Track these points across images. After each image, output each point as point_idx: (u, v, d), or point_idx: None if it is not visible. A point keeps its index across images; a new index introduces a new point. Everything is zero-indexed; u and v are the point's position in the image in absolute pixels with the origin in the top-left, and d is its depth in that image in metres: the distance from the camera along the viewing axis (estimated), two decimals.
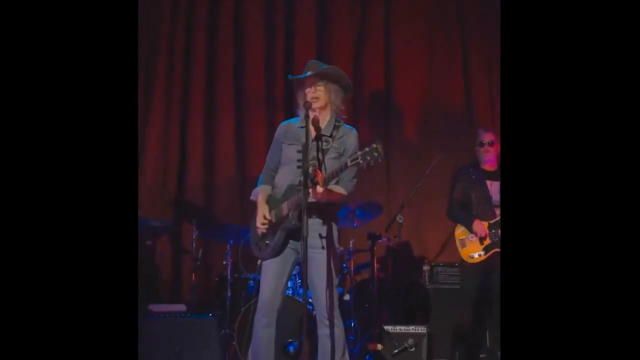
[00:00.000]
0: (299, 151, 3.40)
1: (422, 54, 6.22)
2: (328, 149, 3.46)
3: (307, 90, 3.50)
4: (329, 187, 3.34)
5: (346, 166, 3.18)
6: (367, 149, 3.10)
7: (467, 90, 6.17)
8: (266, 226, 3.50)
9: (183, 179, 5.91)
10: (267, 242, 3.51)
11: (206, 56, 5.98)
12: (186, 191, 5.91)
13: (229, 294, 4.91)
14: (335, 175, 3.25)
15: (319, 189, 3.24)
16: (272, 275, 3.51)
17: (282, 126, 3.69)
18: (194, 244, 5.22)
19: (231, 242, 5.04)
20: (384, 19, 6.20)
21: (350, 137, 3.54)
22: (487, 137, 4.99)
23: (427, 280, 5.31)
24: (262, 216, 3.51)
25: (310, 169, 3.22)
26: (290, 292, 4.65)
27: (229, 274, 4.98)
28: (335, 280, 3.49)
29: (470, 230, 4.87)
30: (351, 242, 5.29)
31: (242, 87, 6.04)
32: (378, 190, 5.90)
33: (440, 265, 5.40)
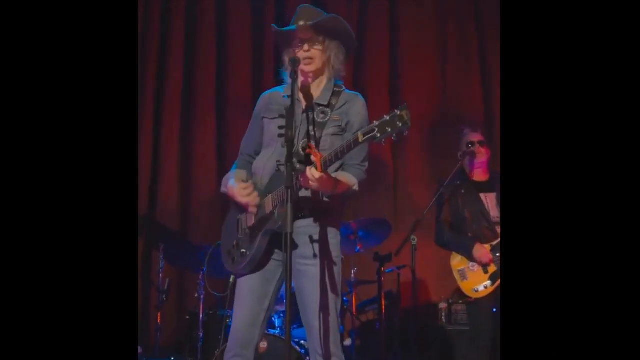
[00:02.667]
0: (280, 127, 2.51)
1: (432, 61, 5.53)
2: (326, 123, 2.59)
3: (298, 47, 2.63)
4: (333, 174, 2.45)
5: (357, 142, 2.27)
6: (386, 117, 2.19)
7: (486, 98, 5.47)
8: (252, 195, 2.57)
9: (155, 198, 5.19)
10: (244, 250, 2.57)
11: (184, 60, 5.33)
12: (158, 212, 5.17)
13: (201, 335, 4.11)
14: (340, 155, 2.34)
15: (315, 172, 2.31)
16: (249, 299, 2.58)
17: (264, 96, 2.81)
18: (161, 275, 4.42)
19: (204, 270, 4.17)
20: (388, 24, 5.52)
21: (355, 105, 2.65)
22: (476, 137, 4.20)
23: (444, 320, 4.55)
24: (241, 189, 2.58)
25: (301, 145, 2.34)
26: (278, 331, 3.86)
27: (201, 311, 4.19)
28: (336, 303, 2.54)
29: (470, 258, 4.07)
30: (353, 271, 4.43)
31: (225, 93, 5.39)
32: (384, 206, 5.15)
33: (459, 303, 4.55)
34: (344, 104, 2.64)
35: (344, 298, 4.38)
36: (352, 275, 4.41)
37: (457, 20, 5.55)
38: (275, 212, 2.48)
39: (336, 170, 2.57)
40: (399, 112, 2.18)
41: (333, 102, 2.63)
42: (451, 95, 5.46)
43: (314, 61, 2.62)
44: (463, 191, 4.17)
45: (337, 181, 2.46)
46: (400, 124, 2.17)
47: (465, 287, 4.12)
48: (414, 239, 4.07)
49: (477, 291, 4.06)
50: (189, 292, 4.72)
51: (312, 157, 2.32)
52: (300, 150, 2.46)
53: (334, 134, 2.58)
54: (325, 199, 2.55)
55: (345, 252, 4.26)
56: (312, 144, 2.44)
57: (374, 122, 2.23)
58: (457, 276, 4.16)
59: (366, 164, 2.62)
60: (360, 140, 2.25)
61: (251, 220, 2.59)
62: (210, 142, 5.28)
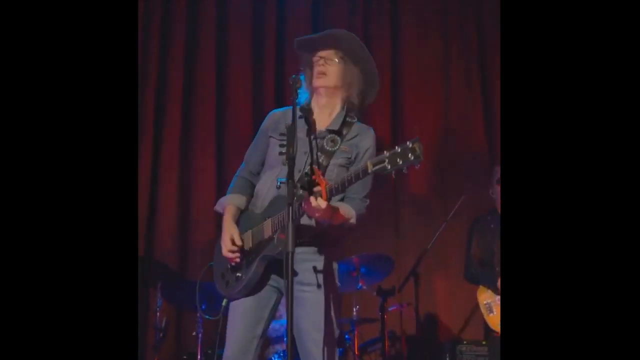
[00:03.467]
0: (281, 145, 2.44)
1: (435, 88, 5.45)
2: (334, 152, 2.51)
3: (316, 62, 2.57)
4: (334, 203, 2.36)
5: (365, 172, 2.18)
6: (397, 149, 2.11)
7: (487, 126, 5.37)
8: (236, 255, 2.50)
9: (152, 234, 5.04)
10: (239, 274, 2.48)
11: (183, 89, 5.23)
12: (155, 250, 5.03)
13: None
14: (347, 184, 2.25)
15: (321, 202, 2.22)
16: (241, 324, 2.49)
17: (274, 114, 2.73)
18: (158, 313, 4.29)
19: (203, 307, 4.07)
20: (391, 48, 5.44)
21: (366, 138, 2.58)
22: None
23: None
24: (229, 240, 2.51)
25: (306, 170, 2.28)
26: None
27: (199, 350, 4.07)
28: (336, 332, 2.44)
29: (496, 291, 4.03)
30: (355, 309, 4.29)
31: (225, 135, 5.30)
32: (385, 242, 5.00)
33: (464, 344, 4.39)
34: (355, 136, 2.57)
35: (346, 336, 4.26)
36: (354, 313, 4.27)
37: (459, 45, 5.49)
38: (275, 237, 2.40)
39: (340, 199, 2.48)
40: (411, 145, 2.09)
41: (344, 131, 2.56)
42: (453, 122, 5.38)
43: (326, 77, 2.56)
44: (492, 226, 4.17)
45: (335, 210, 2.37)
46: (412, 157, 2.08)
47: (492, 321, 4.05)
48: (417, 275, 4.01)
49: None
50: (186, 331, 4.59)
51: (317, 185, 2.23)
52: (305, 175, 2.36)
53: (341, 165, 2.51)
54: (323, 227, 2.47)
55: (347, 289, 4.21)
56: (319, 170, 2.35)
57: (385, 152, 2.14)
58: (484, 310, 4.10)
59: (368, 200, 2.54)
60: (369, 170, 2.16)
61: (248, 244, 2.51)
62: (210, 177, 5.17)
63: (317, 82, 2.56)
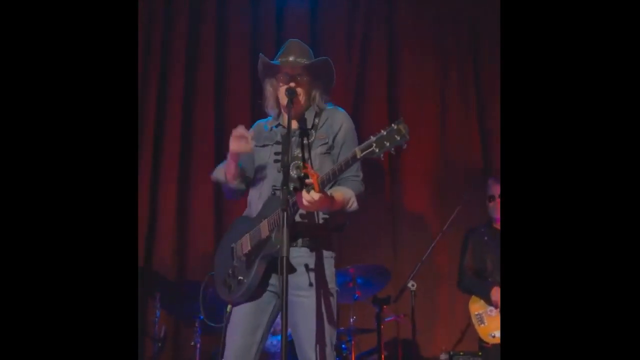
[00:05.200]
0: (276, 153, 2.55)
1: (431, 105, 5.48)
2: (312, 143, 2.59)
3: (282, 81, 2.64)
4: (329, 191, 2.42)
5: (355, 159, 2.27)
6: (383, 132, 2.20)
7: (483, 140, 5.39)
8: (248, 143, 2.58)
9: (151, 245, 5.03)
10: (241, 277, 2.53)
11: (183, 104, 5.26)
12: (154, 260, 5.01)
13: None
14: (337, 173, 2.34)
15: (314, 194, 2.29)
16: (241, 329, 2.53)
17: (256, 125, 2.84)
18: (157, 324, 4.30)
19: (201, 317, 4.09)
20: (387, 66, 5.48)
21: (336, 117, 2.66)
22: (500, 190, 4.21)
23: None
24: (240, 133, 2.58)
25: (295, 169, 2.36)
26: None
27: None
28: (332, 336, 2.48)
29: (488, 302, 4.06)
30: (352, 319, 4.29)
31: (223, 146, 5.20)
32: (381, 253, 4.98)
33: (460, 355, 4.36)
34: (326, 120, 2.64)
35: (343, 346, 4.26)
36: (351, 324, 4.27)
37: (455, 64, 5.53)
38: (272, 236, 2.45)
39: (331, 186, 2.53)
40: (396, 126, 2.19)
41: (316, 121, 2.64)
42: (450, 138, 5.40)
43: (299, 97, 2.62)
44: (486, 238, 4.23)
45: (335, 200, 2.43)
46: (399, 137, 2.18)
47: (483, 331, 4.09)
48: (413, 285, 4.04)
49: (494, 336, 4.02)
50: (185, 341, 4.56)
51: (309, 179, 2.29)
52: (293, 173, 2.44)
53: (322, 153, 2.58)
54: (323, 217, 2.53)
55: (344, 300, 4.23)
56: (308, 163, 2.43)
57: (371, 137, 2.23)
58: (474, 320, 4.14)
59: (361, 174, 2.59)
60: (358, 157, 2.25)
61: (247, 247, 2.56)
62: (208, 188, 5.12)
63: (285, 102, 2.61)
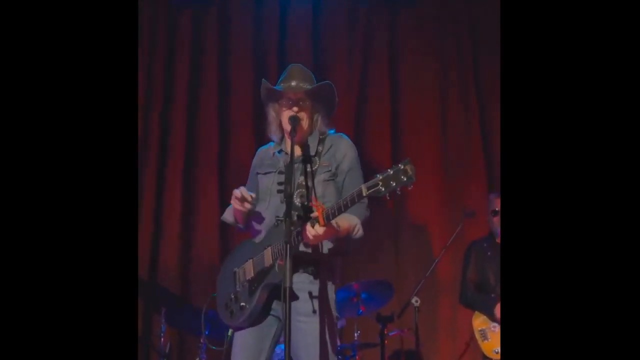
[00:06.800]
0: (280, 183, 2.57)
1: (433, 115, 5.47)
2: (316, 170, 2.61)
3: (285, 106, 2.66)
4: (335, 220, 2.43)
5: (360, 196, 2.28)
6: (390, 172, 2.22)
7: (485, 150, 5.38)
8: (248, 205, 2.60)
9: (156, 259, 5.05)
10: (243, 304, 2.55)
11: (187, 119, 5.30)
12: (159, 275, 5.03)
13: None
14: (343, 208, 2.33)
15: (319, 228, 2.31)
16: (244, 355, 2.55)
17: (260, 151, 2.87)
18: (162, 339, 4.27)
19: (206, 333, 4.06)
20: (389, 78, 5.48)
21: (340, 145, 2.69)
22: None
23: None
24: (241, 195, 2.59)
25: (298, 199, 2.38)
26: None
27: None
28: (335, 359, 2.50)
29: (492, 318, 4.05)
30: (356, 334, 4.30)
31: (227, 158, 5.32)
32: (385, 268, 4.99)
33: None
34: (330, 147, 2.67)
35: None
36: (355, 338, 4.27)
37: (457, 70, 5.51)
38: (275, 265, 2.48)
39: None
40: (402, 167, 2.20)
41: (320, 148, 2.66)
42: (450, 140, 5.39)
43: (302, 122, 2.64)
44: (489, 253, 4.22)
45: (338, 227, 2.44)
46: (405, 178, 2.19)
47: (486, 347, 4.08)
48: (416, 301, 4.05)
49: (497, 352, 4.00)
50: (190, 356, 4.56)
51: (314, 212, 2.31)
52: (297, 202, 2.47)
53: (325, 180, 2.60)
54: (329, 247, 2.55)
55: (348, 314, 4.25)
56: (313, 196, 2.45)
57: (377, 175, 2.24)
58: (478, 336, 4.13)
59: (366, 199, 2.56)
60: (364, 194, 2.26)
61: (250, 273, 2.58)
62: (213, 200, 5.18)
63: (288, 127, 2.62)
